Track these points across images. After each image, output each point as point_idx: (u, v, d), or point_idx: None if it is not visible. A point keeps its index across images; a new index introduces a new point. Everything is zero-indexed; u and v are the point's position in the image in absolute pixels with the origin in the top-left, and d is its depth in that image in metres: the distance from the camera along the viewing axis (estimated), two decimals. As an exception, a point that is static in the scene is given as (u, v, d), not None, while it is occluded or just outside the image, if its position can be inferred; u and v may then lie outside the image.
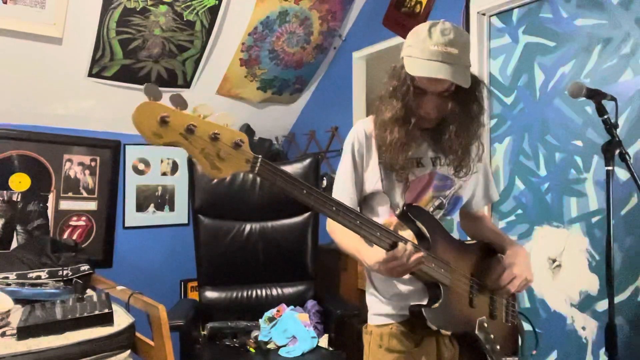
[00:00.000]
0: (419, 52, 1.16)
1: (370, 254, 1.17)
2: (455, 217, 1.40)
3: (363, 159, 1.31)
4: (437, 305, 1.20)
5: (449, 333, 1.24)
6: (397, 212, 1.22)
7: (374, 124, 1.30)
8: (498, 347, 1.29)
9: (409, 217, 1.21)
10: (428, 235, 1.21)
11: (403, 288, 1.29)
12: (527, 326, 1.46)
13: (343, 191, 1.32)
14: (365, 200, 1.36)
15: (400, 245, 1.10)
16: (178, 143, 0.89)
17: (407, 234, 1.22)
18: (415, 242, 1.19)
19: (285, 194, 1.02)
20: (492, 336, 1.28)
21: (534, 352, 1.50)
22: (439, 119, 1.27)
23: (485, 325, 1.28)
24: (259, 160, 0.97)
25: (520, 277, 1.26)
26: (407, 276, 1.22)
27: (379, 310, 1.32)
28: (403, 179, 1.26)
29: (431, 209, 1.30)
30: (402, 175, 1.26)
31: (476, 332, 1.26)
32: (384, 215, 1.30)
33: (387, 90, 1.26)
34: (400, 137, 1.22)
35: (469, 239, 1.48)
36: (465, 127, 1.26)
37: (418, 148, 1.29)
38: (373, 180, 1.29)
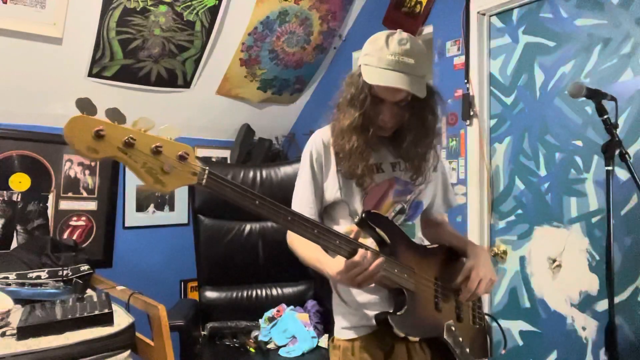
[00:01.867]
0: (376, 61, 1.18)
1: (332, 264, 1.14)
2: (417, 222, 1.38)
3: (322, 168, 1.31)
4: (402, 311, 1.18)
5: (417, 339, 1.24)
6: (356, 219, 1.19)
7: (331, 132, 1.31)
8: (467, 350, 1.28)
9: (368, 224, 1.18)
10: (389, 241, 1.19)
11: (369, 297, 1.27)
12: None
13: (303, 202, 1.31)
14: (327, 210, 1.35)
15: (360, 251, 1.07)
16: (117, 157, 0.86)
17: (369, 242, 1.20)
18: (377, 249, 1.17)
19: (236, 205, 0.98)
20: (460, 339, 1.28)
21: (503, 352, 1.50)
22: (396, 127, 1.29)
23: (453, 329, 1.27)
24: (206, 171, 0.94)
25: (485, 278, 1.26)
26: (371, 285, 1.18)
27: (347, 323, 1.30)
28: (362, 186, 1.26)
29: (392, 214, 1.29)
30: (362, 182, 1.25)
31: (444, 336, 1.25)
32: (345, 224, 1.30)
33: (344, 98, 1.27)
34: (359, 145, 1.22)
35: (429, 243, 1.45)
36: (422, 137, 1.29)
37: (378, 154, 1.31)
38: (333, 189, 1.29)
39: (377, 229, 1.18)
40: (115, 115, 0.88)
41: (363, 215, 1.18)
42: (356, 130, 1.22)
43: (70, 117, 0.82)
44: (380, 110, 1.23)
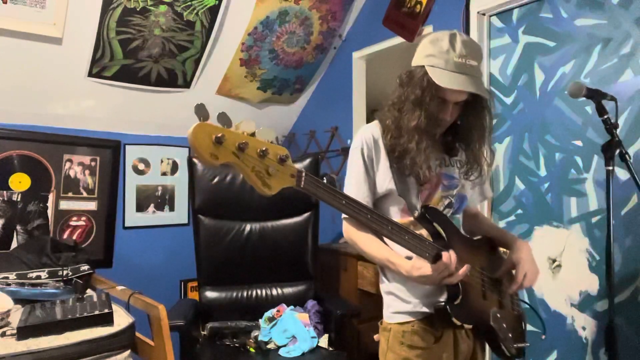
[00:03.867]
0: (443, 64, 1.21)
1: (410, 266, 1.21)
2: (461, 216, 1.44)
3: (373, 163, 1.35)
4: (458, 301, 1.25)
5: (471, 326, 1.29)
6: (416, 214, 1.27)
7: (383, 130, 1.34)
8: (510, 335, 1.36)
9: (427, 219, 1.26)
10: (444, 235, 1.26)
11: (421, 287, 1.32)
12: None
13: (359, 196, 1.33)
14: (375, 203, 1.39)
15: (445, 254, 1.15)
16: (233, 164, 0.91)
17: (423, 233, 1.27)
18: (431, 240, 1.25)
19: (325, 203, 1.09)
20: (504, 325, 1.35)
21: (543, 337, 1.54)
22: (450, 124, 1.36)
23: (498, 315, 1.35)
24: (303, 174, 1.01)
25: (530, 271, 1.34)
26: None
27: (399, 309, 1.35)
28: (422, 184, 1.32)
29: (441, 209, 1.35)
30: (423, 180, 1.30)
31: (491, 323, 1.32)
32: (395, 217, 1.34)
33: (406, 98, 1.28)
34: (428, 146, 1.26)
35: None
36: (481, 134, 1.34)
37: None
38: (384, 183, 1.33)
39: (434, 224, 1.26)
40: (225, 119, 0.91)
41: (422, 210, 1.27)
42: (422, 130, 1.26)
43: (194, 125, 0.86)
44: (441, 109, 1.27)
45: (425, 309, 1.31)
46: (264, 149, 0.93)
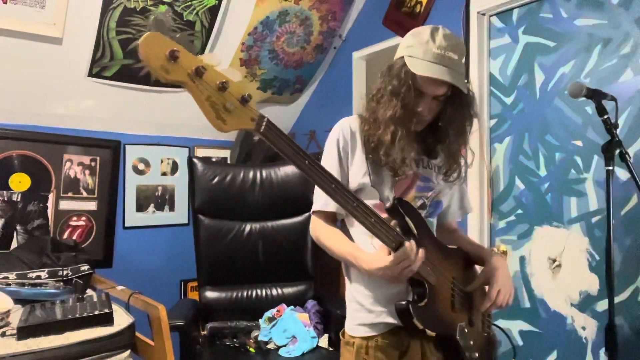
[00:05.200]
0: (421, 54, 1.19)
1: (370, 258, 1.16)
2: (435, 221, 1.38)
3: (348, 155, 1.30)
4: (422, 303, 1.19)
5: (434, 334, 1.21)
6: (388, 205, 1.20)
7: (361, 122, 1.31)
8: (477, 355, 1.28)
9: (399, 211, 1.19)
10: (415, 231, 1.19)
11: (385, 292, 1.26)
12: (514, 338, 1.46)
13: None
14: None
15: (408, 243, 1.09)
16: (184, 83, 0.85)
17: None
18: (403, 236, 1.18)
19: (286, 159, 1.00)
20: (471, 343, 1.28)
21: None
22: (429, 122, 1.30)
23: (466, 331, 1.28)
24: (265, 120, 0.95)
25: (504, 288, 1.27)
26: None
27: (362, 320, 1.29)
28: (397, 174, 1.27)
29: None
30: (397, 171, 1.25)
31: (457, 337, 1.25)
32: None
33: (385, 89, 1.26)
34: (403, 136, 1.22)
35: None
36: (459, 133, 1.30)
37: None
38: (359, 175, 1.28)
39: (406, 218, 1.19)
40: (187, 45, 0.86)
41: (395, 201, 1.20)
42: (397, 121, 1.22)
43: (147, 33, 0.81)
44: (419, 103, 1.23)
45: (388, 319, 1.24)
46: (225, 81, 0.88)
